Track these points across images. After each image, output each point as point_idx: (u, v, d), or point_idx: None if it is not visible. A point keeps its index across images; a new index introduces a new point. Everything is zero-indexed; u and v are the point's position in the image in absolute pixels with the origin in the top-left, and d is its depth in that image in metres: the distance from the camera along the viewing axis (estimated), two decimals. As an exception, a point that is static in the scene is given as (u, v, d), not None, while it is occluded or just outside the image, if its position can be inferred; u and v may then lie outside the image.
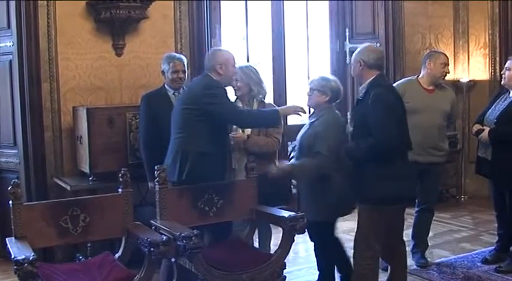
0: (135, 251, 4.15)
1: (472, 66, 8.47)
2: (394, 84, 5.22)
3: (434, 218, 5.90)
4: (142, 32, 6.24)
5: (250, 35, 7.49)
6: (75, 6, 5.89)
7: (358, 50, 4.53)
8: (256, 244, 5.37)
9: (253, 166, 4.76)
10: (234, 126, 5.05)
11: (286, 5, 7.72)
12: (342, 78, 8.10)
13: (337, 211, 4.75)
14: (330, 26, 8.19)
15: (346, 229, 6.70)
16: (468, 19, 8.48)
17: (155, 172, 4.36)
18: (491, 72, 8.26)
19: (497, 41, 8.18)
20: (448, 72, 5.71)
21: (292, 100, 7.45)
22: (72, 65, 5.93)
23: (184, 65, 5.43)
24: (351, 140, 4.55)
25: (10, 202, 3.91)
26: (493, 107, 5.52)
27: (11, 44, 5.85)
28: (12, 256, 3.54)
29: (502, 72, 5.61)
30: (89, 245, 5.14)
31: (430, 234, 5.94)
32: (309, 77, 7.73)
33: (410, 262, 5.49)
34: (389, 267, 4.84)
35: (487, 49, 8.32)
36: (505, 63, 5.63)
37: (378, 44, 7.63)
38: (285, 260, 4.44)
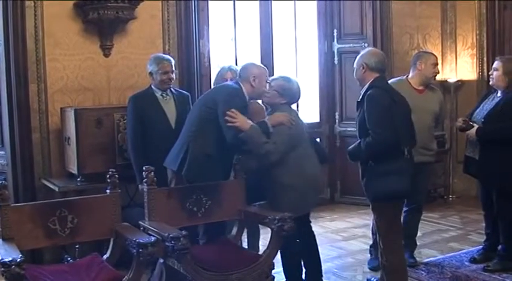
0: (124, 252, 4.14)
1: (459, 66, 8.50)
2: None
3: (422, 217, 5.93)
4: (131, 33, 6.23)
5: (239, 36, 7.49)
6: (62, 7, 5.87)
7: (361, 54, 4.73)
8: (244, 244, 5.38)
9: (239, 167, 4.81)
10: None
11: (274, 5, 7.73)
12: (330, 78, 8.19)
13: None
14: (318, 27, 8.20)
15: (335, 229, 6.74)
16: (456, 20, 8.51)
17: (143, 173, 4.36)
18: (479, 72, 8.30)
19: (485, 42, 8.22)
20: (438, 73, 5.75)
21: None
22: (60, 66, 5.90)
23: (172, 66, 5.43)
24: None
25: (-3, 203, 3.89)
26: (481, 106, 5.56)
27: (-3, 45, 5.82)
28: (0, 258, 3.52)
29: (490, 73, 5.64)
30: (77, 246, 5.12)
31: (419, 234, 5.95)
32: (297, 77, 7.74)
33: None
34: None
35: (475, 49, 8.36)
36: (492, 64, 5.67)
37: (366, 45, 7.67)
38: (274, 261, 4.45)
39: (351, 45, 7.96)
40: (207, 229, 4.84)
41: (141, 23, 6.25)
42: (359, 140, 4.54)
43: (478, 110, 5.55)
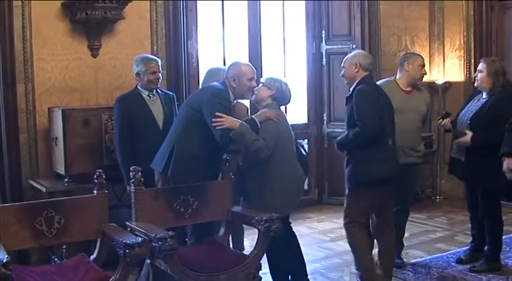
0: (111, 253, 4.13)
1: (447, 68, 8.54)
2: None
3: (409, 218, 5.94)
4: (119, 33, 6.22)
5: (227, 36, 7.48)
6: (50, 7, 5.85)
7: (352, 54, 5.06)
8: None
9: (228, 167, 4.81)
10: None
11: (262, 5, 7.73)
12: (318, 79, 8.20)
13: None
14: (306, 28, 8.20)
15: (323, 229, 6.75)
16: (443, 21, 8.54)
17: (131, 174, 4.36)
18: (466, 74, 8.33)
19: (472, 43, 8.26)
20: (426, 74, 5.79)
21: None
22: (48, 66, 5.89)
23: (159, 66, 5.44)
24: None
25: (-16, 204, 3.89)
26: (466, 108, 5.57)
27: (-15, 44, 5.79)
28: (-14, 259, 3.51)
29: (474, 75, 5.67)
30: (64, 247, 5.11)
31: (406, 234, 5.98)
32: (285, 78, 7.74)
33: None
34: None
35: (462, 51, 8.39)
36: (478, 66, 5.70)
37: (354, 46, 7.69)
38: (261, 261, 4.45)
39: (339, 46, 7.97)
40: (195, 229, 4.84)
41: (129, 23, 6.25)
42: (347, 132, 4.82)
43: (463, 112, 5.57)
